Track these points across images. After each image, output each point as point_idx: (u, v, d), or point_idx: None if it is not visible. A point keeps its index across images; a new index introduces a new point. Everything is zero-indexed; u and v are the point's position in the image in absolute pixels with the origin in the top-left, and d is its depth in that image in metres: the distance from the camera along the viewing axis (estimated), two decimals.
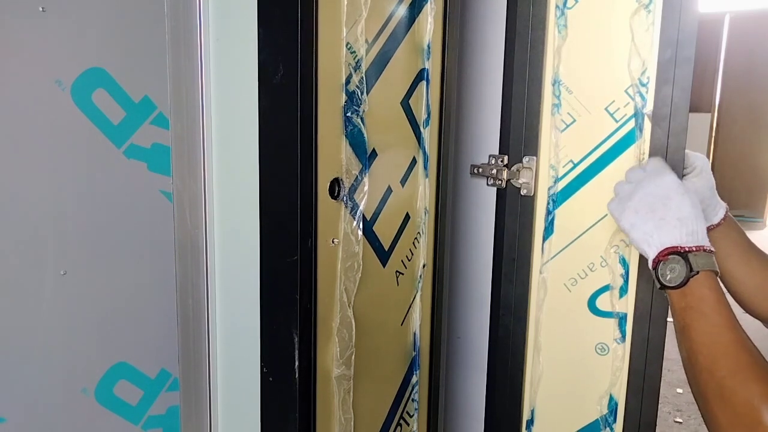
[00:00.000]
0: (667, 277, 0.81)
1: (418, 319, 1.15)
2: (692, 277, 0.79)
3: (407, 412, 1.17)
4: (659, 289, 0.84)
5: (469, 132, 1.32)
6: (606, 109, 1.00)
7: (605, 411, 1.08)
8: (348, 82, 0.89)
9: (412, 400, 1.18)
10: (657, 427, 1.05)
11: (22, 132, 0.84)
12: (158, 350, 1.00)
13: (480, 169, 1.14)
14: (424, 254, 1.14)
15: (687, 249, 0.80)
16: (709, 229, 0.93)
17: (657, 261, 0.83)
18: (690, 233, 0.81)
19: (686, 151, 0.96)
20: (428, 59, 1.08)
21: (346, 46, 0.87)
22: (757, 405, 0.67)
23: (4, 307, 0.85)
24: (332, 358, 0.93)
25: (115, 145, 0.92)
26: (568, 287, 1.08)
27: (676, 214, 0.83)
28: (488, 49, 1.27)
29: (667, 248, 0.82)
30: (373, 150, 0.97)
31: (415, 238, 1.13)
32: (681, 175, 0.94)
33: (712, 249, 0.81)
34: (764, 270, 0.97)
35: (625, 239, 1.02)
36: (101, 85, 0.89)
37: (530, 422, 1.15)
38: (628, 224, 0.88)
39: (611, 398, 1.07)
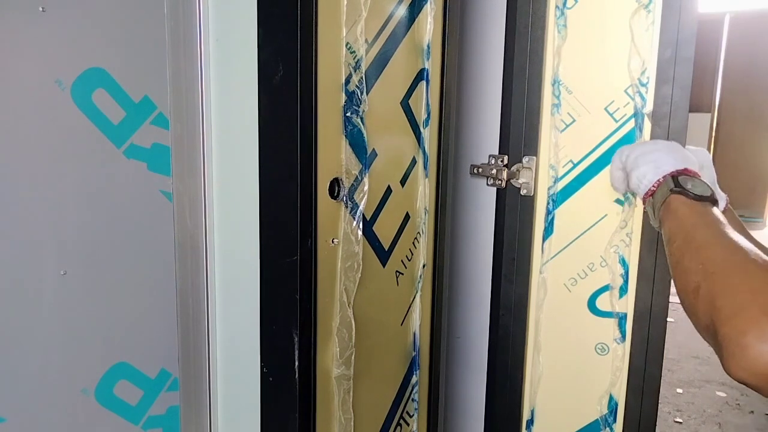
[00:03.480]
0: (689, 186, 0.77)
1: (418, 319, 1.15)
2: (712, 202, 0.75)
3: (407, 412, 1.17)
4: (671, 191, 0.79)
5: (469, 132, 1.32)
6: (606, 109, 1.00)
7: (605, 411, 1.08)
8: (348, 82, 0.89)
9: (412, 400, 1.18)
10: (657, 427, 1.05)
11: (22, 132, 0.84)
12: (158, 350, 1.00)
13: (480, 169, 1.14)
14: (424, 254, 1.14)
15: (707, 183, 0.79)
16: None
17: (679, 173, 0.80)
18: (705, 177, 0.82)
19: (688, 146, 0.97)
20: (428, 59, 1.08)
21: (346, 46, 0.87)
22: None
23: (4, 307, 0.85)
24: (332, 358, 0.93)
25: (115, 145, 0.92)
26: (568, 287, 1.08)
27: (690, 157, 0.85)
28: (488, 49, 1.27)
29: (690, 169, 0.81)
30: (373, 150, 0.97)
31: (415, 238, 1.12)
32: None
33: None
34: None
35: (626, 239, 1.02)
36: (101, 85, 0.89)
37: (530, 422, 1.15)
38: (647, 150, 0.86)
39: (611, 398, 1.07)
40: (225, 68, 0.89)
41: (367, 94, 0.92)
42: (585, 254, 1.05)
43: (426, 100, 1.10)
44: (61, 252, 0.89)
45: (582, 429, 1.11)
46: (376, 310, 1.03)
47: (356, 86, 0.90)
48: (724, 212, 0.99)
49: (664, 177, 0.81)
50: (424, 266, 1.15)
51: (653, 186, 0.82)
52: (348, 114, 0.90)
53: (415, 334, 1.16)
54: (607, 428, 1.08)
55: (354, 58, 0.89)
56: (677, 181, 0.79)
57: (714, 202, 0.75)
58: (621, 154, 0.92)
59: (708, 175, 0.97)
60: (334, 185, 0.89)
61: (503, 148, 1.10)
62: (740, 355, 0.53)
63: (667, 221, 0.76)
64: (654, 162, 0.84)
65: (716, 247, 0.67)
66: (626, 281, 1.03)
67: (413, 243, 1.12)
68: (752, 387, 0.54)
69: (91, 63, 0.88)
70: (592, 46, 1.01)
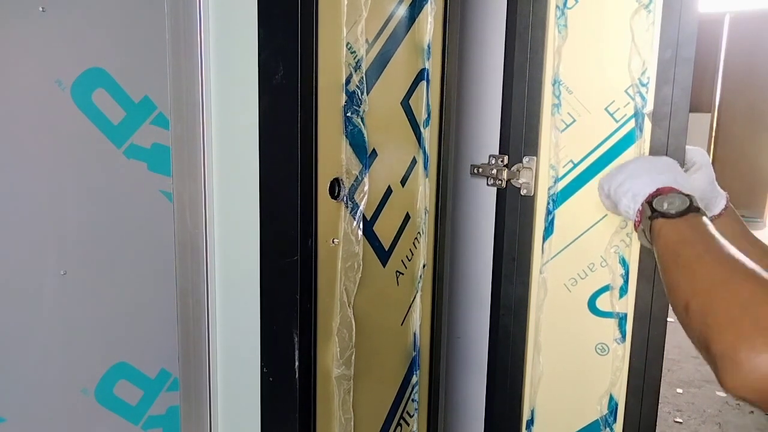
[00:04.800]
0: (665, 206, 0.77)
1: (418, 319, 1.15)
2: (693, 211, 0.74)
3: (407, 412, 1.17)
4: (650, 218, 0.78)
5: (469, 132, 1.32)
6: (606, 109, 1.00)
7: (605, 411, 1.08)
8: (348, 82, 0.89)
9: (412, 400, 1.18)
10: (657, 427, 1.05)
11: (23, 132, 0.84)
12: (158, 350, 1.00)
13: (480, 169, 1.14)
14: (424, 254, 1.14)
15: (687, 194, 0.78)
16: (712, 220, 0.93)
17: (653, 196, 0.80)
18: (680, 185, 0.82)
19: (686, 146, 0.97)
20: (428, 59, 1.08)
21: (346, 46, 0.87)
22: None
23: (4, 307, 0.85)
24: (332, 358, 0.93)
25: (115, 145, 0.92)
26: (568, 287, 1.08)
27: (663, 167, 0.86)
28: (488, 49, 1.27)
29: (665, 187, 0.81)
30: (373, 150, 0.97)
31: (415, 238, 1.12)
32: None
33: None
34: (765, 258, 0.96)
35: (626, 239, 1.02)
36: (101, 85, 0.89)
37: (530, 422, 1.15)
38: (622, 180, 0.87)
39: (611, 398, 1.07)
40: (225, 68, 0.89)
41: (367, 94, 0.92)
42: (585, 254, 1.05)
43: (426, 100, 1.10)
44: (61, 252, 0.89)
45: (582, 429, 1.11)
46: (376, 310, 1.03)
47: (356, 86, 0.90)
48: (724, 210, 0.99)
49: (642, 205, 0.82)
50: (424, 266, 1.15)
51: (637, 218, 0.83)
52: (348, 114, 0.89)
53: (415, 334, 1.16)
54: (607, 428, 1.08)
55: (354, 58, 0.89)
56: (652, 207, 0.78)
57: (696, 210, 0.75)
58: (601, 187, 0.94)
59: (706, 175, 0.97)
60: (335, 185, 0.89)
61: (503, 148, 1.10)
62: (734, 371, 0.52)
63: (655, 245, 0.76)
64: (630, 191, 0.85)
65: (702, 262, 0.66)
66: (626, 281, 1.03)
67: (413, 243, 1.12)
68: (750, 402, 0.53)
69: (91, 63, 0.88)
70: (592, 46, 1.01)
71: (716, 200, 0.98)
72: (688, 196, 0.77)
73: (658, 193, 0.80)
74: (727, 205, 1.00)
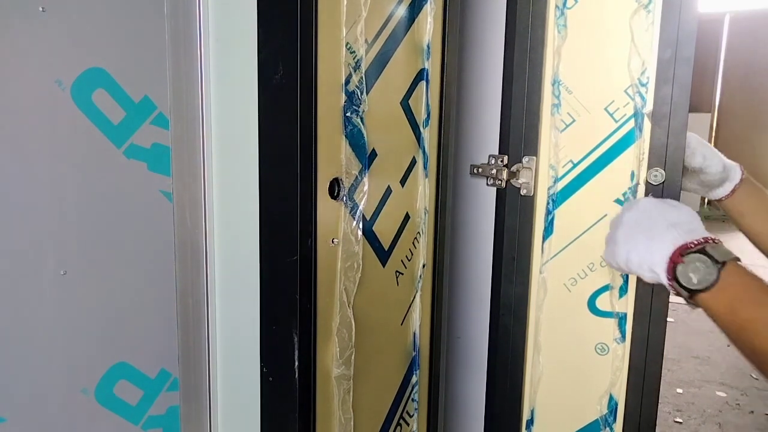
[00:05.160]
0: (695, 280, 0.69)
1: (418, 319, 1.15)
2: (722, 269, 0.68)
3: (407, 412, 1.17)
4: (689, 302, 0.71)
5: (469, 132, 1.32)
6: (606, 109, 1.00)
7: (605, 411, 1.08)
8: (348, 82, 0.89)
9: (412, 400, 1.18)
10: (657, 427, 1.05)
11: (22, 132, 0.84)
12: (158, 350, 1.00)
13: (480, 169, 1.14)
14: (424, 254, 1.14)
15: (698, 242, 0.71)
16: (733, 191, 0.92)
17: (672, 267, 0.72)
18: (689, 231, 0.73)
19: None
20: (428, 59, 1.08)
21: (346, 46, 0.87)
22: None
23: (4, 307, 0.85)
24: (332, 358, 0.93)
25: (115, 145, 0.92)
26: (568, 287, 1.08)
27: (664, 221, 0.76)
28: (488, 49, 1.27)
29: (675, 251, 0.72)
30: (373, 150, 0.97)
31: (415, 238, 1.13)
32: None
33: (720, 240, 0.72)
34: None
35: None
36: (101, 85, 0.89)
37: (530, 422, 1.15)
38: (624, 255, 0.79)
39: (611, 398, 1.07)
40: (225, 68, 0.89)
41: (367, 94, 0.92)
42: (585, 254, 1.05)
43: (426, 100, 1.10)
44: (61, 252, 0.89)
45: (582, 429, 1.11)
46: (376, 310, 1.03)
47: (356, 86, 0.90)
48: (743, 178, 0.99)
49: (670, 282, 0.73)
50: (424, 266, 1.15)
51: (673, 292, 0.75)
52: (348, 114, 0.90)
53: (415, 334, 1.16)
54: (607, 428, 1.08)
55: (354, 58, 0.89)
56: (681, 284, 0.70)
57: (720, 261, 0.69)
58: (610, 264, 0.85)
59: (708, 154, 0.97)
60: (334, 185, 0.89)
61: (503, 148, 1.10)
62: None
63: (708, 314, 0.71)
64: (644, 265, 0.76)
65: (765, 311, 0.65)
66: (626, 281, 1.03)
67: (413, 243, 1.12)
68: None
69: (91, 63, 0.88)
70: (592, 46, 1.01)
71: (730, 171, 0.99)
72: (702, 246, 0.70)
73: (675, 261, 0.72)
74: (743, 172, 1.00)
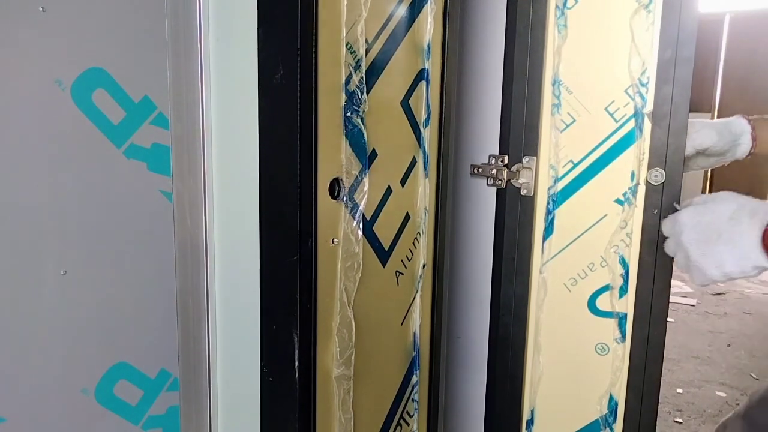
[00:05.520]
0: None
1: (418, 319, 1.15)
2: None
3: (407, 412, 1.17)
4: None
5: (469, 132, 1.32)
6: (606, 109, 1.01)
7: (605, 411, 1.08)
8: (348, 82, 0.89)
9: (412, 400, 1.18)
10: (657, 427, 1.05)
11: (22, 132, 0.84)
12: (158, 350, 1.00)
13: (480, 169, 1.14)
14: (424, 254, 1.14)
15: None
16: (754, 138, 0.96)
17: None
18: (751, 213, 0.77)
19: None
20: (428, 59, 1.08)
21: (346, 46, 0.87)
22: None
23: (4, 307, 0.85)
24: (332, 358, 0.93)
25: (115, 145, 0.92)
26: (568, 287, 1.08)
27: (721, 220, 0.79)
28: (488, 49, 1.27)
29: (763, 236, 0.76)
30: (373, 150, 0.97)
31: (415, 238, 1.12)
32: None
33: None
34: None
35: (626, 239, 1.02)
36: (101, 85, 0.89)
37: (530, 422, 1.15)
38: (718, 271, 0.81)
39: (611, 398, 1.07)
40: (225, 68, 0.89)
41: (367, 94, 0.92)
42: (585, 254, 1.05)
43: (426, 100, 1.10)
44: (61, 252, 0.89)
45: (582, 429, 1.11)
46: (376, 310, 1.03)
47: (356, 86, 0.90)
48: (753, 129, 0.99)
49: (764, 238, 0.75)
50: (424, 266, 1.15)
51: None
52: (348, 114, 0.90)
53: (415, 334, 1.16)
54: (607, 428, 1.08)
55: (354, 58, 0.89)
56: None
57: None
58: (702, 282, 0.85)
59: (718, 127, 0.98)
60: (334, 185, 0.89)
61: (503, 148, 1.10)
62: None
63: None
64: (745, 264, 0.78)
65: None
66: (626, 281, 1.03)
67: (413, 243, 1.12)
68: None
69: (91, 63, 0.88)
70: (592, 46, 1.01)
71: (736, 126, 1.00)
72: None
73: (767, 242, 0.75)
74: (748, 120, 1.00)
